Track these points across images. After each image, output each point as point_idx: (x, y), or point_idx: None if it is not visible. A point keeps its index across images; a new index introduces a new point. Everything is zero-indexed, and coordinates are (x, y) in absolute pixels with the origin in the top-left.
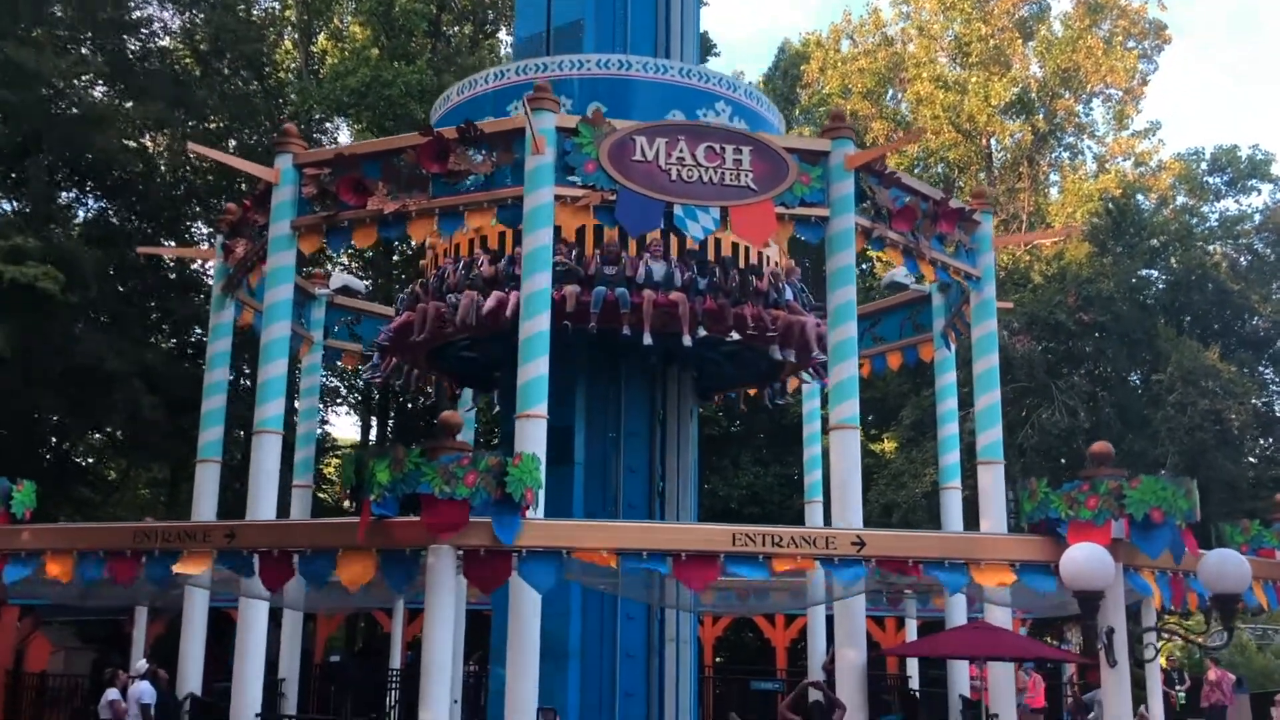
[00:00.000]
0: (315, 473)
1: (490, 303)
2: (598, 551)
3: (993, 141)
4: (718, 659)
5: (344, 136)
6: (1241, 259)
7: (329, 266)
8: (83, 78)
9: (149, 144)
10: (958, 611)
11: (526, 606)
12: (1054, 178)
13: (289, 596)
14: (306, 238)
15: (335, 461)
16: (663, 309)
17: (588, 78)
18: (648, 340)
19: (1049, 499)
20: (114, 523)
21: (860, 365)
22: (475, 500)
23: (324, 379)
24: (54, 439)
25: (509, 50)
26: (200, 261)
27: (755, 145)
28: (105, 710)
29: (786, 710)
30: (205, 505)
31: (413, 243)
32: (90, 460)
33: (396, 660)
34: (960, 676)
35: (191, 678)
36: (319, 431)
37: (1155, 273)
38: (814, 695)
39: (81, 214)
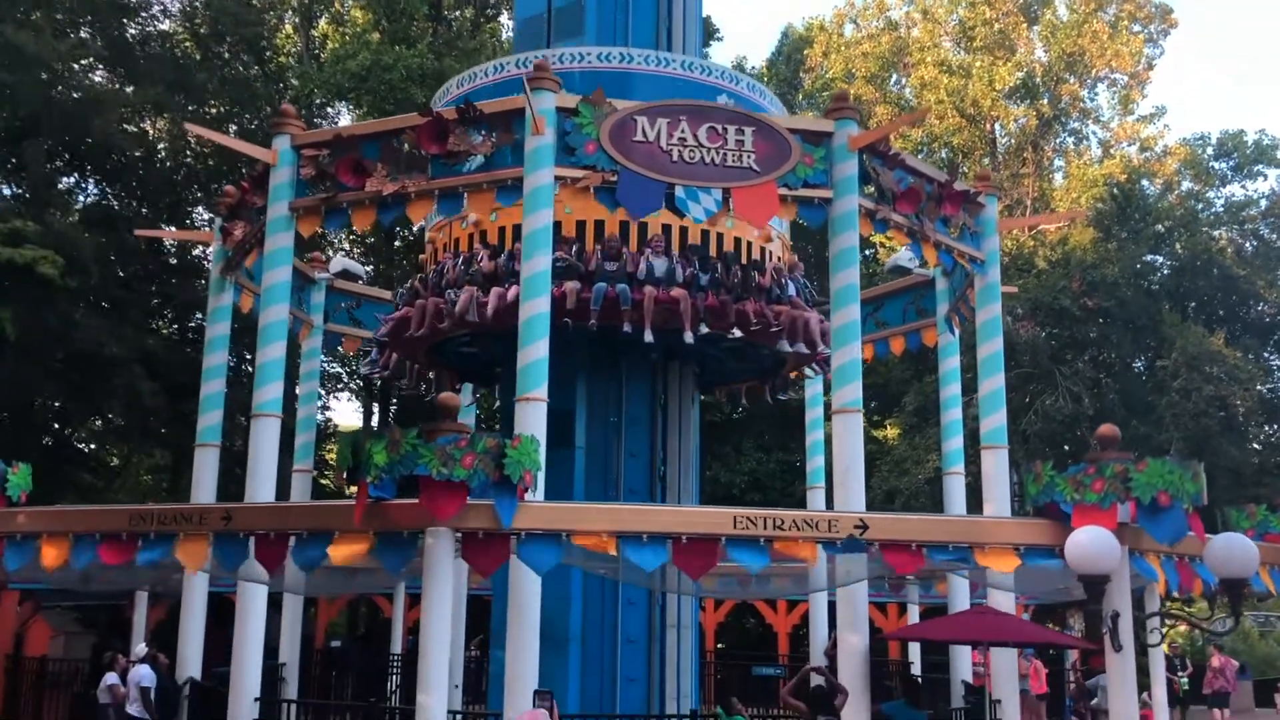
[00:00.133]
0: (316, 458)
1: (491, 300)
2: (597, 534)
3: (997, 127)
4: (719, 644)
5: (345, 121)
6: (1247, 244)
7: (330, 252)
8: (82, 61)
9: (149, 128)
10: (960, 597)
11: (526, 590)
12: (1059, 163)
13: (289, 580)
14: (305, 219)
15: (337, 447)
16: (664, 305)
17: (589, 70)
18: (649, 338)
19: (1054, 482)
20: (110, 505)
21: (863, 350)
22: (473, 482)
23: (326, 365)
24: (56, 425)
25: (510, 34)
26: (201, 247)
27: (758, 126)
28: (104, 695)
29: (788, 696)
30: (204, 490)
31: (414, 228)
32: (92, 447)
33: (398, 645)
34: (963, 662)
35: (191, 662)
36: (321, 417)
37: (1160, 258)
38: (816, 681)
39: (81, 199)
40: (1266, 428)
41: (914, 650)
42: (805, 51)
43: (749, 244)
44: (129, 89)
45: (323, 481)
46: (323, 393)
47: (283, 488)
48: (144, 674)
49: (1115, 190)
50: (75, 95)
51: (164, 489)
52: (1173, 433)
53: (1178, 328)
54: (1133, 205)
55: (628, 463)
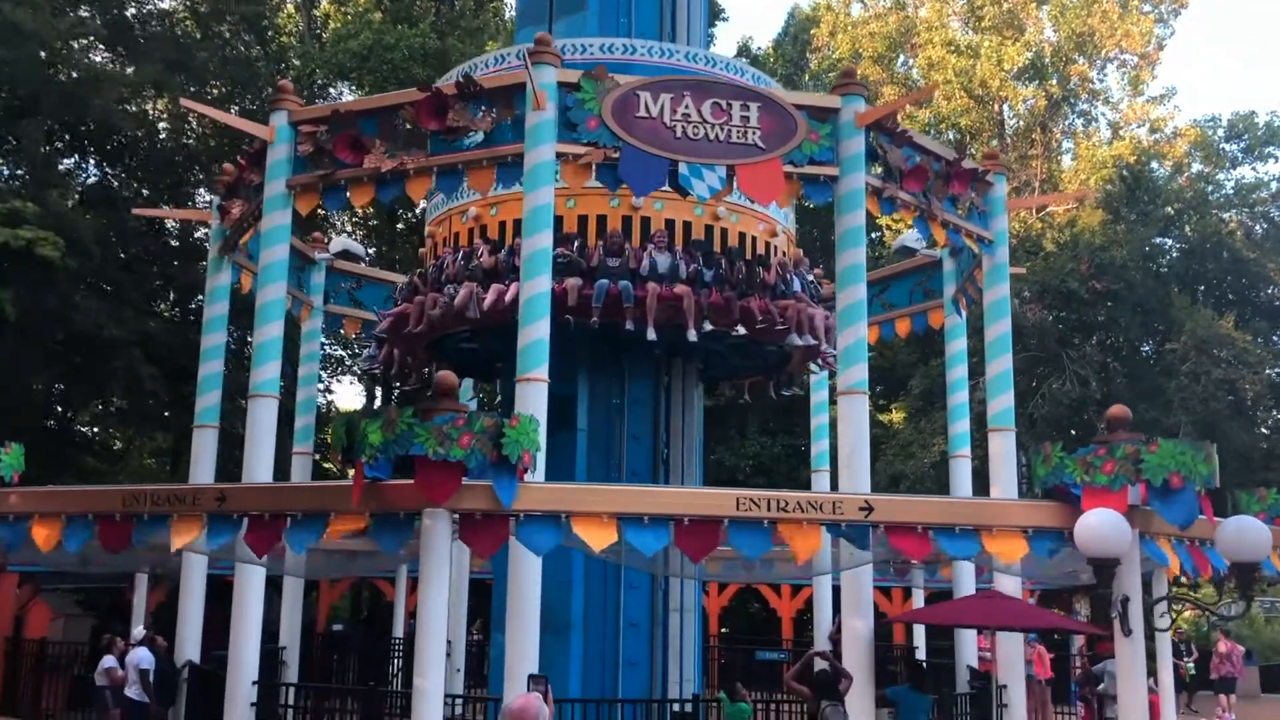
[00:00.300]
0: (317, 441)
1: (490, 296)
2: (597, 515)
3: (1005, 107)
4: (723, 629)
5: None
6: (1257, 227)
7: (331, 234)
8: (81, 40)
9: (149, 109)
10: (966, 582)
11: (527, 573)
12: (1067, 144)
13: (289, 563)
14: (302, 197)
15: (332, 427)
16: (667, 302)
17: (591, 61)
18: (651, 336)
19: (1063, 463)
20: (103, 486)
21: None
22: (470, 463)
23: (328, 348)
24: (58, 407)
25: (513, 14)
26: (202, 229)
27: (763, 102)
28: (102, 678)
29: (792, 680)
30: (203, 471)
31: (416, 209)
32: (94, 430)
33: (400, 629)
34: (968, 647)
35: (190, 645)
36: (322, 401)
37: (1169, 241)
38: (820, 665)
39: (81, 179)
40: (1275, 412)
41: (919, 634)
42: (812, 32)
43: (753, 239)
44: (129, 68)
45: (325, 465)
46: (324, 376)
47: (284, 471)
48: (142, 656)
49: (1124, 172)
50: (74, 74)
51: (167, 472)
52: (1181, 417)
53: (1186, 311)
54: (1142, 187)
55: (630, 446)
